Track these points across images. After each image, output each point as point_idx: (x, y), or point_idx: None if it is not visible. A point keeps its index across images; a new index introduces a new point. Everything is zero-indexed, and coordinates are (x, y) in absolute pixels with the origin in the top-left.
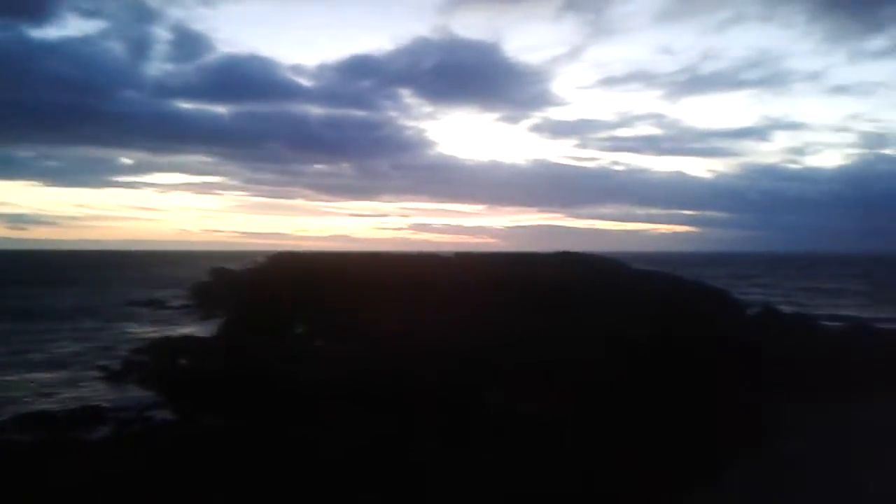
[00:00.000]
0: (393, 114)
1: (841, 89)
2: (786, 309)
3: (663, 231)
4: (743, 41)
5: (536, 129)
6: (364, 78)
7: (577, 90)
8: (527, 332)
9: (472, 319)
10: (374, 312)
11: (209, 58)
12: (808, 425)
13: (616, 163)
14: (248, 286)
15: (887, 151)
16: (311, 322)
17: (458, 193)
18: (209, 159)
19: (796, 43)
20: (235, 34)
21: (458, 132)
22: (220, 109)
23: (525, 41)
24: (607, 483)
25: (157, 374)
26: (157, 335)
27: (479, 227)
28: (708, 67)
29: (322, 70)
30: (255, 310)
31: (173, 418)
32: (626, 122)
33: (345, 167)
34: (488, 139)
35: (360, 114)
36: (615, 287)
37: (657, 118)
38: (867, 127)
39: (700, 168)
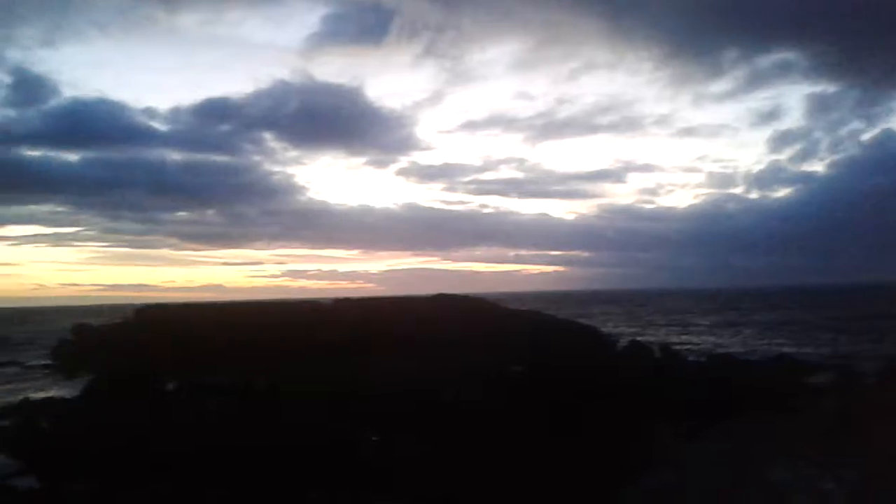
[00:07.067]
0: (257, 158)
1: (688, 131)
2: (652, 342)
3: (533, 271)
4: (594, 88)
5: (404, 172)
6: (222, 121)
7: (441, 134)
8: (406, 374)
9: (351, 365)
10: (251, 363)
11: (54, 102)
12: (682, 454)
13: (484, 206)
14: (113, 342)
15: (733, 190)
16: (181, 377)
17: (332, 239)
18: (62, 209)
19: (644, 88)
20: (80, 77)
21: (326, 177)
22: (70, 156)
23: (386, 86)
24: None
25: (18, 440)
26: (16, 398)
27: (354, 272)
28: (563, 112)
29: (176, 113)
30: (120, 367)
31: (38, 486)
32: (489, 165)
33: (211, 214)
34: (358, 184)
35: (221, 158)
36: (491, 326)
37: (519, 162)
38: (714, 167)
39: (562, 209)
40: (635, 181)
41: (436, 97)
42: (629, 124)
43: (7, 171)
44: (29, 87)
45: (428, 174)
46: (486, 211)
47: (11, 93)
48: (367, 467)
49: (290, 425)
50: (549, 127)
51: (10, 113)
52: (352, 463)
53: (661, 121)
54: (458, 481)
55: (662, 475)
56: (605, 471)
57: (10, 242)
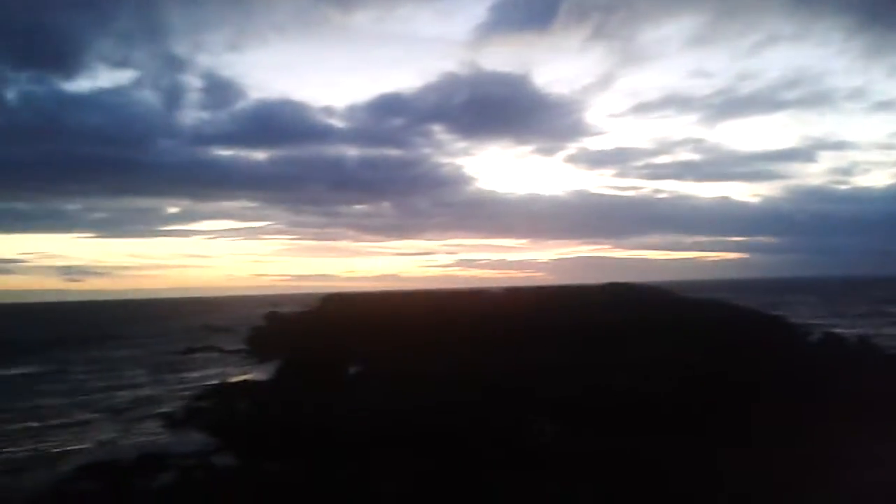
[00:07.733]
0: (427, 151)
1: (884, 105)
2: (848, 335)
3: (712, 259)
4: (779, 62)
5: (573, 159)
6: (395, 116)
7: (611, 118)
8: (579, 363)
9: (524, 353)
10: (428, 350)
11: (242, 104)
12: (881, 454)
13: (658, 191)
14: (301, 329)
15: None
16: (365, 362)
17: (501, 228)
18: (253, 205)
19: (834, 61)
20: (264, 79)
21: (494, 166)
22: (259, 155)
23: (554, 72)
24: None
25: (218, 419)
26: (215, 381)
27: (524, 260)
28: (745, 89)
29: (352, 111)
30: (309, 352)
31: (234, 463)
32: (664, 148)
33: (386, 206)
34: (526, 172)
35: (394, 152)
36: (667, 316)
37: (696, 143)
38: None
39: (745, 193)
40: (826, 160)
41: (605, 80)
42: (818, 99)
43: (202, 170)
44: (219, 90)
45: (598, 160)
46: (660, 196)
47: (203, 96)
48: (540, 453)
49: (465, 412)
50: (729, 105)
51: (203, 115)
52: (525, 448)
53: (854, 94)
54: (634, 470)
55: (862, 475)
56: (798, 468)
57: (206, 236)
